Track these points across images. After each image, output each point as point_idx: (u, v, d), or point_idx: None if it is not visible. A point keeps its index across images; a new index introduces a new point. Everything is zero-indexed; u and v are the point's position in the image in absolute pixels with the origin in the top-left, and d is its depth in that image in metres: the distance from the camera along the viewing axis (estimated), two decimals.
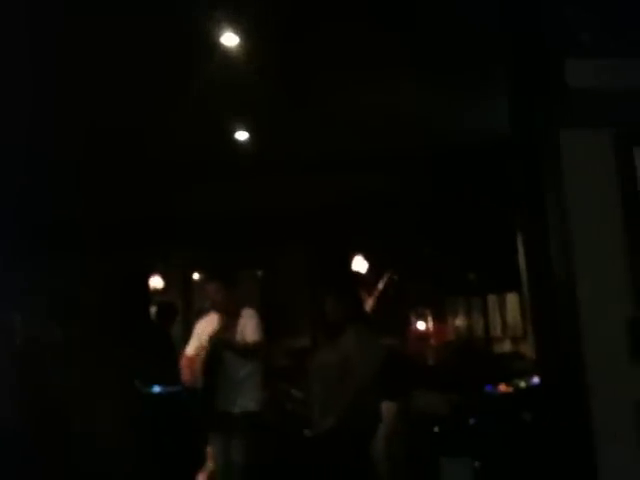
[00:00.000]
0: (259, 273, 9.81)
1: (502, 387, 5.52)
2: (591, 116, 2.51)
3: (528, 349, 6.88)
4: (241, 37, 4.35)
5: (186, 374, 5.07)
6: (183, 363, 5.10)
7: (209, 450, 5.07)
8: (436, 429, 5.19)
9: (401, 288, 6.64)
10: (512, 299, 8.02)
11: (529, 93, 2.60)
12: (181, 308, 8.83)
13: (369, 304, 5.76)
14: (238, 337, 4.96)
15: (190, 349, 5.08)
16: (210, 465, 5.07)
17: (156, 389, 6.90)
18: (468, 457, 4.80)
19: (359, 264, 8.82)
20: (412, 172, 7.14)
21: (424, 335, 8.31)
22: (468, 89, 5.34)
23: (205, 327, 5.08)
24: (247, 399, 4.90)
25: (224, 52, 4.46)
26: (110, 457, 5.71)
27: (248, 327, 4.97)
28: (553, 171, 2.52)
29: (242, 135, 6.18)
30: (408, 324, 8.23)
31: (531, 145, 2.59)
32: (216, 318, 5.03)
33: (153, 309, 8.70)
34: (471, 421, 5.07)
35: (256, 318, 5.05)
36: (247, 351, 4.92)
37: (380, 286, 6.04)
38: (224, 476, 4.93)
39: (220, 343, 4.88)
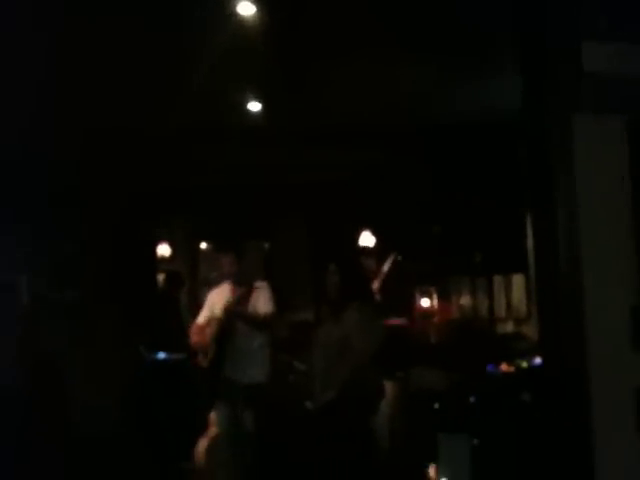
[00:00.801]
0: (265, 245, 9.83)
1: (504, 366, 5.54)
2: (604, 102, 2.50)
3: (530, 330, 6.90)
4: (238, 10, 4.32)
5: (195, 342, 5.12)
6: (192, 330, 5.15)
7: (212, 416, 5.14)
8: (436, 406, 5.23)
9: (407, 266, 6.65)
10: (518, 280, 8.02)
11: (540, 76, 2.59)
12: (187, 278, 8.88)
13: (376, 283, 5.77)
14: (250, 309, 5.01)
15: (201, 318, 5.13)
16: (212, 431, 5.14)
17: (161, 355, 6.97)
18: (466, 434, 4.83)
19: (367, 239, 8.82)
20: (421, 150, 7.12)
21: (428, 313, 8.34)
22: (483, 70, 5.32)
23: (217, 298, 5.12)
24: (256, 370, 4.97)
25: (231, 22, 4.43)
26: (112, 421, 5.79)
27: (261, 299, 5.03)
28: (563, 155, 2.52)
29: (250, 106, 6.16)
30: (413, 302, 8.25)
31: (542, 128, 2.59)
32: (228, 289, 5.08)
33: (160, 277, 8.75)
34: (471, 399, 5.10)
35: (268, 290, 5.10)
36: (259, 323, 4.98)
37: (386, 266, 6.05)
38: (227, 443, 5.00)
39: (233, 314, 4.93)
